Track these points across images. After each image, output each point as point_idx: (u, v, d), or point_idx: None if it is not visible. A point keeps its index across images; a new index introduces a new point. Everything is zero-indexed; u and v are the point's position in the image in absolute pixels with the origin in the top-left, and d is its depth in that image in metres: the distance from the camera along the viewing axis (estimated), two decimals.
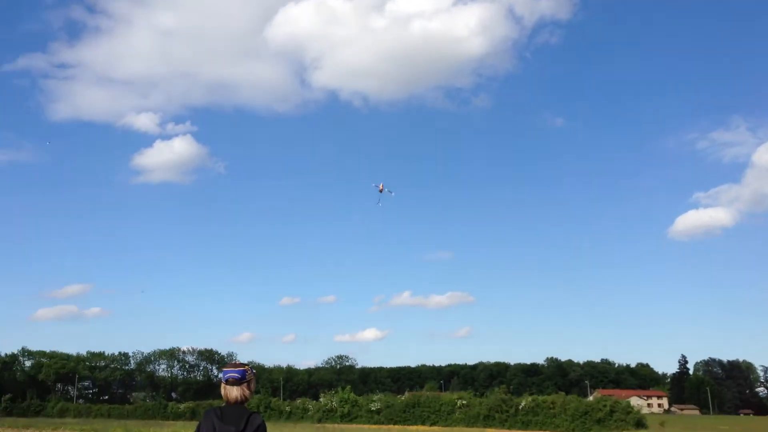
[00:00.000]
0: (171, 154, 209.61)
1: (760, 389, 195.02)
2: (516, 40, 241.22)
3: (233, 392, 4.73)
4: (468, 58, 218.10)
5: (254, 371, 4.96)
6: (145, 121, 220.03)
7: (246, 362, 4.98)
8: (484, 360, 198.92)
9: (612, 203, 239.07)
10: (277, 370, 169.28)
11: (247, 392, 4.77)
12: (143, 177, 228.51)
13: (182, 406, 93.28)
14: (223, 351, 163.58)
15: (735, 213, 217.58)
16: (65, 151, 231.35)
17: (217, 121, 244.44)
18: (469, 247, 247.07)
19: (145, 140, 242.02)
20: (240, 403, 4.74)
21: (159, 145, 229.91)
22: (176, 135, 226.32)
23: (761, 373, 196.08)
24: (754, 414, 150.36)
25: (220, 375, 4.92)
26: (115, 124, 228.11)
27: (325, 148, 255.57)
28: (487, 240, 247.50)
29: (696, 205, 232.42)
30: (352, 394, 76.99)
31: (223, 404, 4.79)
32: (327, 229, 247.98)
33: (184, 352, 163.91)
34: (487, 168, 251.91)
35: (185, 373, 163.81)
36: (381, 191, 39.66)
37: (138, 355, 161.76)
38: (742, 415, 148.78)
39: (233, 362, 4.91)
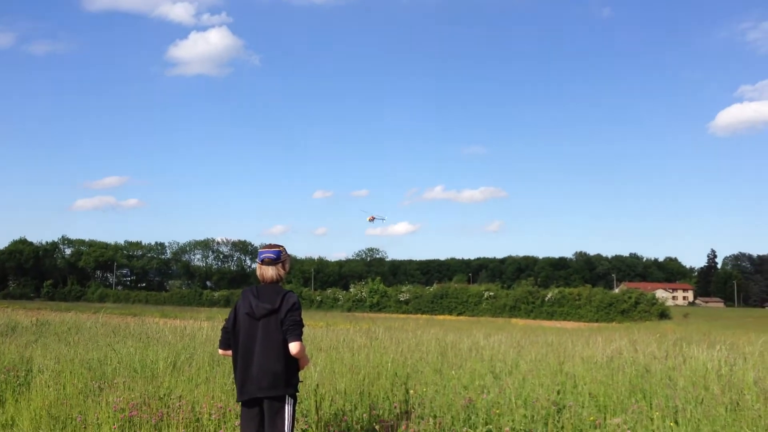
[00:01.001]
0: (206, 45, 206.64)
1: None
2: None
3: (269, 272, 4.85)
4: None
5: (288, 253, 5.11)
6: (180, 12, 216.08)
7: (281, 244, 5.11)
8: (513, 254, 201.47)
9: (655, 97, 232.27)
10: (309, 261, 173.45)
11: (282, 272, 4.88)
12: (178, 69, 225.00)
13: (217, 294, 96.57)
14: (257, 242, 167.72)
15: None
16: (101, 41, 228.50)
17: (254, 13, 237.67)
18: (505, 142, 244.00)
19: (180, 31, 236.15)
20: (275, 282, 4.85)
21: (194, 36, 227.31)
22: (212, 26, 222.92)
23: None
24: None
25: (256, 259, 5.07)
26: (150, 14, 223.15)
27: (362, 41, 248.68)
28: (523, 135, 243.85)
29: (741, 99, 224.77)
30: (381, 285, 78.95)
31: (260, 284, 4.97)
32: (360, 123, 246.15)
33: (218, 243, 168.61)
34: (529, 61, 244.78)
35: (219, 263, 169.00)
36: (372, 220, 39.73)
37: (174, 245, 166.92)
38: (767, 307, 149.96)
39: (268, 244, 5.04)
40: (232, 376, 5.02)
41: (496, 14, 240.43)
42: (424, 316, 65.22)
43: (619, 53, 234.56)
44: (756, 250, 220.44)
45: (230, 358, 4.90)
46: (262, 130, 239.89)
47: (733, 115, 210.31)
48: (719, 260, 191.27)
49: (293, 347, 4.65)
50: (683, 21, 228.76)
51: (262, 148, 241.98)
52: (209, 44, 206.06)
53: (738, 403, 6.85)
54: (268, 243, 5.02)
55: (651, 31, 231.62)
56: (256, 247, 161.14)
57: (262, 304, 4.71)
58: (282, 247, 4.99)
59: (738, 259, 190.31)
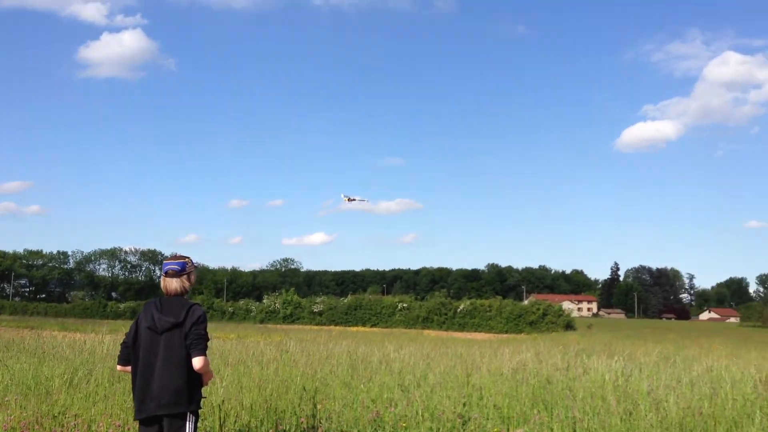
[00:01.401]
0: (119, 48, 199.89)
1: (684, 295, 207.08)
2: None
3: (173, 284, 4.72)
4: None
5: (196, 264, 4.98)
6: (92, 12, 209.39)
7: (187, 256, 4.99)
8: (428, 266, 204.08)
9: (565, 114, 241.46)
10: (222, 271, 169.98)
11: (186, 284, 4.76)
12: (89, 71, 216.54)
13: (122, 305, 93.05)
14: (167, 252, 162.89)
15: (681, 126, 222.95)
16: (7, 40, 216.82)
17: (170, 15, 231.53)
18: (421, 154, 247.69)
19: (91, 32, 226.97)
20: (180, 294, 4.73)
21: (106, 38, 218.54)
22: (125, 28, 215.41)
23: (686, 280, 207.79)
24: (675, 318, 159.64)
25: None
26: (61, 13, 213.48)
27: (280, 48, 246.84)
28: (438, 147, 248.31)
29: (644, 118, 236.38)
30: (295, 296, 78.14)
31: (164, 296, 4.82)
32: (278, 133, 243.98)
33: (126, 252, 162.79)
34: (445, 74, 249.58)
35: (126, 273, 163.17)
36: (350, 201, 39.62)
37: (77, 255, 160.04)
38: (664, 319, 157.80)
39: (173, 255, 4.92)
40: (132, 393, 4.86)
41: (414, 27, 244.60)
42: (337, 327, 64.99)
43: (532, 70, 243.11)
44: (655, 263, 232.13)
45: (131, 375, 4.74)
46: (176, 136, 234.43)
47: (637, 133, 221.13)
48: (622, 273, 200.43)
49: (197, 362, 4.53)
50: (592, 42, 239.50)
51: (176, 155, 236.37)
52: (122, 46, 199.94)
53: (632, 413, 7.17)
54: (174, 254, 4.91)
55: (562, 49, 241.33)
56: (166, 257, 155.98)
57: (165, 318, 4.57)
58: (188, 258, 4.88)
59: (638, 271, 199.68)
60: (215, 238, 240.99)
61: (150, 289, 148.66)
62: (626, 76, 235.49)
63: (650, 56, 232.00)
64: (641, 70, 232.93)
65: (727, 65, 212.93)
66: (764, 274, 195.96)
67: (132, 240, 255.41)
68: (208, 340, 4.67)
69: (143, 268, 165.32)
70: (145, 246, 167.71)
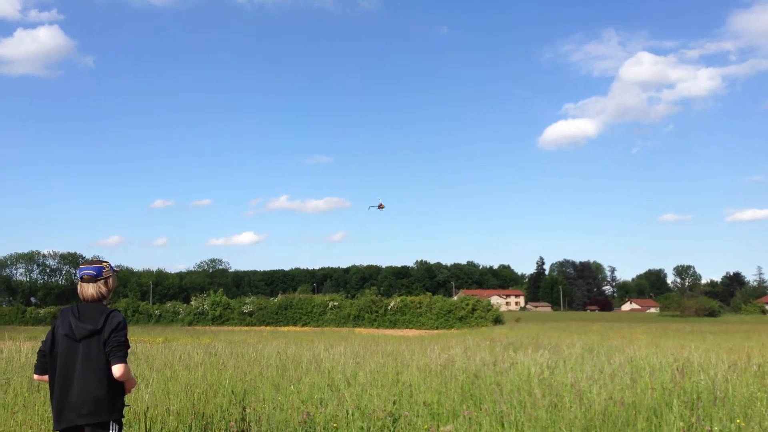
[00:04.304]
0: (34, 44, 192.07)
1: (606, 287, 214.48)
2: None
3: (89, 290, 4.57)
4: None
5: (115, 269, 4.82)
6: (3, 6, 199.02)
7: (105, 260, 4.83)
8: (357, 263, 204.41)
9: (490, 112, 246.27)
10: (147, 273, 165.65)
11: (104, 289, 4.61)
12: (2, 69, 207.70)
13: (42, 311, 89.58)
14: (88, 254, 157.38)
15: (600, 124, 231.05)
16: None
17: (88, 11, 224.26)
18: (348, 152, 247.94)
19: (4, 28, 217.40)
20: (97, 300, 4.59)
21: (20, 34, 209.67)
22: (41, 24, 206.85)
23: (608, 273, 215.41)
24: (599, 310, 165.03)
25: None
26: None
27: (203, 47, 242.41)
28: (366, 145, 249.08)
29: (565, 116, 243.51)
30: (224, 297, 76.95)
31: (81, 302, 4.66)
32: (204, 130, 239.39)
33: (44, 255, 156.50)
34: (371, 72, 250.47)
35: (46, 277, 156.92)
36: (381, 207, 39.42)
37: None
38: (588, 310, 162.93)
39: (90, 259, 4.75)
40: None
41: (340, 26, 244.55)
42: (268, 328, 64.41)
43: (456, 69, 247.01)
44: (578, 256, 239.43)
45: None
46: (96, 136, 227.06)
47: (559, 130, 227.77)
48: (547, 267, 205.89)
49: (117, 370, 4.40)
50: (514, 42, 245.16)
51: (96, 154, 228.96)
52: (38, 43, 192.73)
53: (556, 405, 7.35)
54: (95, 256, 4.75)
55: (485, 50, 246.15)
56: (88, 260, 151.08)
57: (83, 325, 4.42)
58: (106, 262, 4.73)
59: (563, 265, 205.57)
60: (139, 239, 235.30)
61: (71, 293, 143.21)
62: (548, 76, 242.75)
63: (569, 56, 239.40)
64: (561, 70, 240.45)
65: (641, 65, 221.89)
66: (680, 266, 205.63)
67: (51, 243, 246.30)
68: (128, 347, 4.55)
69: (63, 272, 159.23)
70: (65, 249, 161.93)
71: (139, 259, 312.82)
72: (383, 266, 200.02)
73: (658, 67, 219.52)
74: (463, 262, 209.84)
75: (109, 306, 4.66)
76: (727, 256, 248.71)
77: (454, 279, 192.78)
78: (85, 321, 4.45)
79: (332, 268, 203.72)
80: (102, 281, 4.62)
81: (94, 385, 4.39)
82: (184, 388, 9.06)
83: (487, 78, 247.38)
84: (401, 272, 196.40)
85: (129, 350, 4.59)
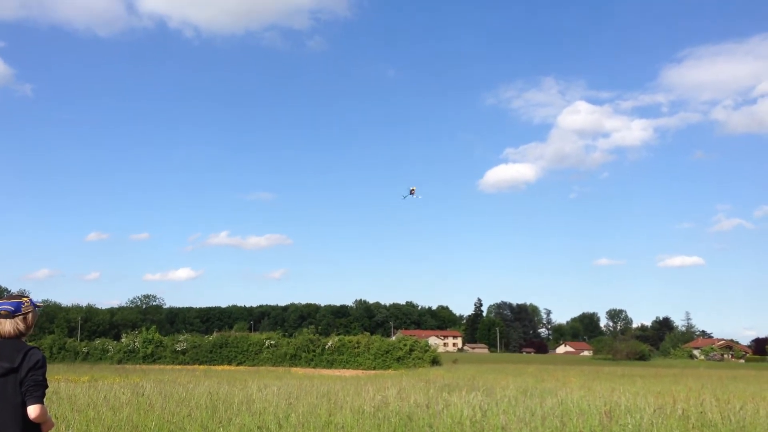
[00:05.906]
0: None
1: (542, 330, 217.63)
2: None
3: (6, 326, 4.40)
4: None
5: (37, 305, 4.67)
6: None
7: (26, 295, 4.67)
8: (296, 301, 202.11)
9: (432, 154, 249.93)
10: (76, 309, 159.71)
11: (22, 326, 4.45)
12: None
13: None
14: (15, 288, 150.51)
15: (539, 169, 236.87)
16: None
17: (28, 40, 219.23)
18: (290, 189, 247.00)
19: None
20: (15, 337, 4.42)
21: None
22: None
23: (544, 315, 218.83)
24: (534, 352, 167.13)
25: None
26: None
27: (147, 80, 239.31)
28: (309, 183, 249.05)
29: (506, 160, 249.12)
30: (156, 335, 74.64)
31: None
32: (143, 163, 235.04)
33: None
34: (315, 112, 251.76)
35: None
36: (413, 193, 38.80)
37: None
38: (524, 353, 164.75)
39: (9, 294, 4.59)
40: None
41: (286, 64, 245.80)
42: (202, 366, 62.73)
43: (401, 111, 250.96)
44: (515, 298, 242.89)
45: None
46: (31, 165, 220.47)
47: (499, 174, 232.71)
48: (485, 308, 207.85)
49: (32, 411, 4.24)
50: (458, 87, 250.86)
51: (30, 184, 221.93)
52: None
53: None
54: (21, 290, 4.60)
55: (430, 94, 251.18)
56: (13, 294, 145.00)
57: (0, 363, 4.25)
58: (26, 298, 4.58)
59: (500, 307, 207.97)
60: (70, 273, 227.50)
61: None
62: (490, 120, 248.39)
63: (511, 102, 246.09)
64: (503, 115, 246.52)
65: (579, 114, 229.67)
66: (613, 309, 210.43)
67: None
68: (46, 387, 4.38)
69: None
70: None
71: (70, 294, 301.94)
72: (322, 305, 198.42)
73: (595, 116, 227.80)
74: (402, 302, 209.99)
75: (31, 343, 4.51)
76: (658, 300, 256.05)
77: (393, 319, 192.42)
78: (2, 359, 4.29)
79: (270, 305, 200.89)
80: (21, 317, 4.46)
81: (7, 425, 4.23)
82: (107, 430, 8.73)
83: (431, 119, 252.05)
84: (340, 311, 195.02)
85: (47, 390, 4.44)
